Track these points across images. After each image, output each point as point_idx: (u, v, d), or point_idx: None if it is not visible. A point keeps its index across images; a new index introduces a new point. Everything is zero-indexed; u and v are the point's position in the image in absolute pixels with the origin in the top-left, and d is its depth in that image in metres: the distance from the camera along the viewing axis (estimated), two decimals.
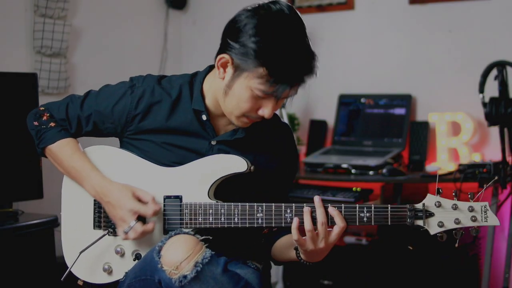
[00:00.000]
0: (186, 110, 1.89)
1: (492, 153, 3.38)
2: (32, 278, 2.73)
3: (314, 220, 1.72)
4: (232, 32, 1.77)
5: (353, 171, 3.35)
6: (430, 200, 1.73)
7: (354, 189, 3.34)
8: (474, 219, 1.70)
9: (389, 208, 1.72)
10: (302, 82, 1.76)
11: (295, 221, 1.72)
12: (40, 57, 3.37)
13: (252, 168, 1.83)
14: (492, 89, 3.10)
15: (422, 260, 3.21)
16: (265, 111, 1.78)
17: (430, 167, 3.41)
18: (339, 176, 3.35)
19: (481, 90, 3.09)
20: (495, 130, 3.26)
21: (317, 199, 1.73)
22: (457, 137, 3.46)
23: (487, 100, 3.08)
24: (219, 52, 1.80)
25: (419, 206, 1.72)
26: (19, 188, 2.90)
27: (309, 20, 3.99)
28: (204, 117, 1.88)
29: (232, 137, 1.89)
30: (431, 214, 1.72)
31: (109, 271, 1.88)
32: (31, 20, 3.34)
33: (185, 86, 1.91)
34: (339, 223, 1.71)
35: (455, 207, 1.71)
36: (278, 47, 1.70)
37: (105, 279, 1.88)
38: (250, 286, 1.73)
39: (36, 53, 3.36)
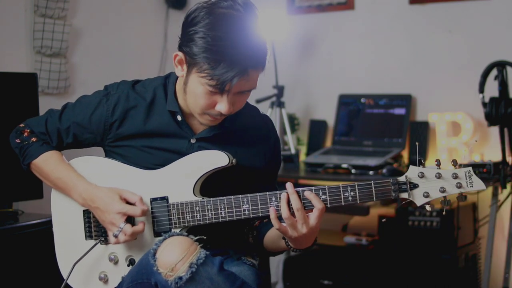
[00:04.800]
0: (161, 112, 1.89)
1: (492, 153, 3.38)
2: (32, 278, 2.72)
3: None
4: (184, 29, 1.77)
5: (353, 171, 3.35)
6: (413, 172, 1.70)
7: None
8: (459, 185, 1.67)
9: (373, 184, 1.70)
10: (245, 75, 1.70)
11: (272, 211, 1.71)
12: (40, 57, 3.36)
13: (234, 161, 1.82)
14: (492, 89, 3.11)
15: (422, 260, 3.20)
16: (221, 106, 1.75)
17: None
18: (339, 176, 3.35)
19: (481, 90, 3.09)
20: (495, 130, 3.26)
21: (288, 186, 1.72)
22: (457, 137, 3.46)
23: (487, 100, 3.08)
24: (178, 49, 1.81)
25: (402, 179, 1.70)
26: (19, 188, 2.89)
27: (309, 20, 4.06)
28: (179, 118, 1.88)
29: (211, 133, 1.88)
30: (415, 186, 1.70)
31: (105, 280, 1.87)
32: (31, 20, 3.33)
33: (159, 88, 1.91)
34: (317, 205, 1.70)
35: (438, 176, 1.69)
36: (219, 42, 1.68)
37: None
38: (247, 285, 1.72)
39: (36, 53, 3.36)
